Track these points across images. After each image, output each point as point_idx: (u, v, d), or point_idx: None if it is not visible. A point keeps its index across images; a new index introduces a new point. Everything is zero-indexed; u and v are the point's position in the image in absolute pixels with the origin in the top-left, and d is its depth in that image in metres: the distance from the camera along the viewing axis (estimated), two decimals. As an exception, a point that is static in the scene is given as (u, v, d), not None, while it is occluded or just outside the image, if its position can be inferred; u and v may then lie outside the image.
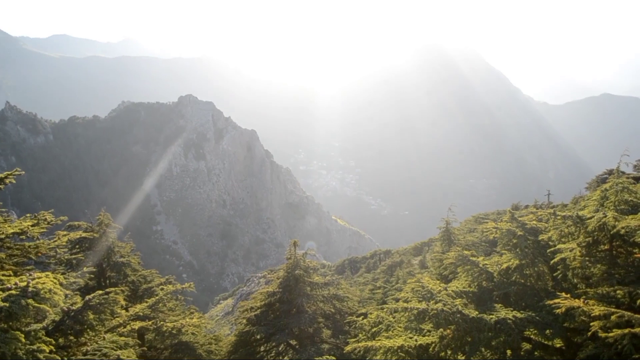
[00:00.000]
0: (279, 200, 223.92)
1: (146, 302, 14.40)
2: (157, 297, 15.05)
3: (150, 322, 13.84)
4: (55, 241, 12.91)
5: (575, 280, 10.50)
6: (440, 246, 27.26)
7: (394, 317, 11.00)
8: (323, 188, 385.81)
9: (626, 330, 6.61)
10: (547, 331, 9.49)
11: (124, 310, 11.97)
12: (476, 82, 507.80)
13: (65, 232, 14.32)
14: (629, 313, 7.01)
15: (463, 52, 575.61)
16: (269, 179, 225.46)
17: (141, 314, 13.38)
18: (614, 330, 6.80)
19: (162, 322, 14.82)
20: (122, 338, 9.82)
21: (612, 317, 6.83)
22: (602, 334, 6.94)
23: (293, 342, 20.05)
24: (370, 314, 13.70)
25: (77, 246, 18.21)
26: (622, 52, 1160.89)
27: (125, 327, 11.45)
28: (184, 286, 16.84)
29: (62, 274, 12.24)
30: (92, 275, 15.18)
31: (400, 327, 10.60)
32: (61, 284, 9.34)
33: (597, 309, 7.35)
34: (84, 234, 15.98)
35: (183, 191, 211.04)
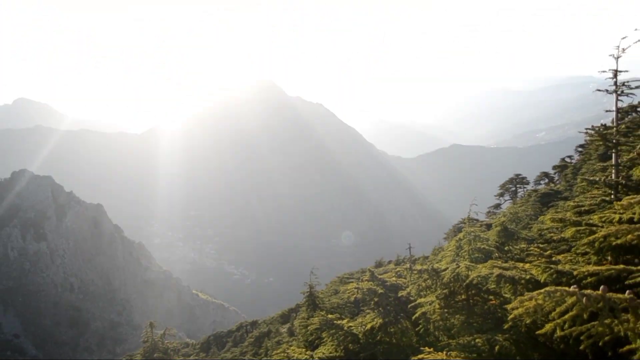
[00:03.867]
0: (133, 279, 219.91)
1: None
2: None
3: None
4: None
5: (437, 333, 10.66)
6: (306, 311, 26.71)
7: (262, 394, 9.74)
8: (181, 261, 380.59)
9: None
10: (416, 388, 9.52)
11: None
12: (330, 140, 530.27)
13: None
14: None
15: (316, 111, 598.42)
16: (120, 256, 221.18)
17: None
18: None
19: None
20: None
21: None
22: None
23: None
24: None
25: None
26: (452, 103, 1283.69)
27: None
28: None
29: None
30: None
31: (268, 404, 9.58)
32: None
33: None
34: None
35: (23, 277, 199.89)
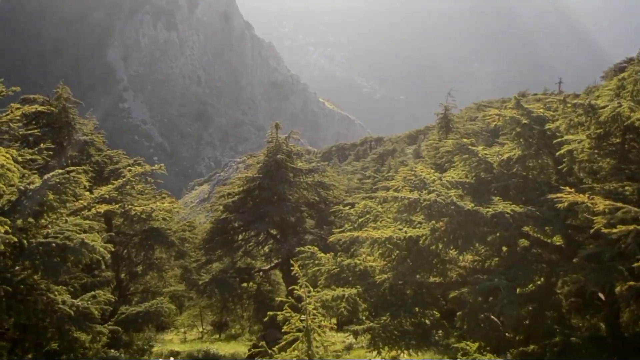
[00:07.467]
0: (260, 79, 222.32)
1: (112, 184, 14.25)
2: (124, 179, 14.92)
3: (117, 206, 13.79)
4: (8, 114, 12.61)
5: (581, 175, 10.34)
6: (437, 134, 27.92)
7: (383, 208, 11.11)
8: (310, 67, 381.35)
9: (631, 227, 6.49)
10: (547, 228, 9.39)
11: (87, 192, 11.78)
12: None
13: (18, 105, 13.97)
14: (636, 209, 6.86)
15: None
16: (249, 54, 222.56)
17: (107, 196, 13.08)
18: (618, 226, 6.66)
19: (130, 206, 14.94)
20: (87, 221, 9.74)
21: (618, 213, 6.68)
22: (605, 231, 6.83)
23: (274, 232, 20.34)
24: (358, 203, 13.62)
25: (33, 121, 17.62)
26: None
27: (89, 210, 11.30)
28: (153, 168, 16.82)
29: (17, 150, 11.44)
30: (51, 153, 14.62)
31: (389, 218, 10.76)
32: (15, 161, 9.22)
33: (602, 204, 7.23)
34: (40, 108, 15.32)
35: (152, 65, 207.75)
